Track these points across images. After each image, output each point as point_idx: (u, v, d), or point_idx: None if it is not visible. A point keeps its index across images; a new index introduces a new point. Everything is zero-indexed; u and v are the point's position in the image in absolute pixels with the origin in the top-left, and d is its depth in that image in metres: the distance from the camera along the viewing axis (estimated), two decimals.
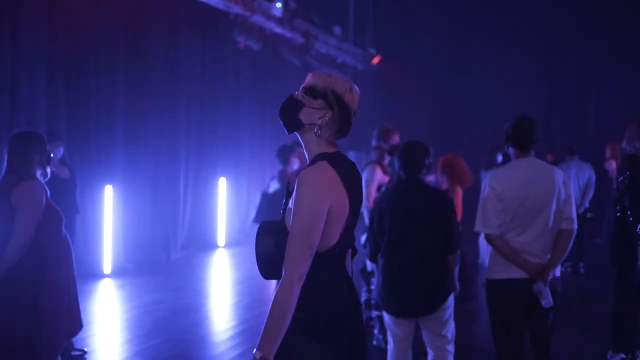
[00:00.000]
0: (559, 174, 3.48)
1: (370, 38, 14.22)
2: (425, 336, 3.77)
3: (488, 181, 3.50)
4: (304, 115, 2.17)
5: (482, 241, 8.71)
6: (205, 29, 9.23)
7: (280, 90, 11.40)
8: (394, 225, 3.62)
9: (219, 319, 6.20)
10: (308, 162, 2.18)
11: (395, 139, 5.25)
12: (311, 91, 2.18)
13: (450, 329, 3.74)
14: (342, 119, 2.19)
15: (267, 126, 11.05)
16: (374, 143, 5.36)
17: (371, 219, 3.76)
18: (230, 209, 10.22)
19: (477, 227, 3.50)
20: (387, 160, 5.27)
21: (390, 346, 3.81)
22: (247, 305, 6.66)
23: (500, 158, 8.76)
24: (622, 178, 4.31)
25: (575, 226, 3.46)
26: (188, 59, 9.00)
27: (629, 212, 4.20)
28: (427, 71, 14.34)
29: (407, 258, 3.63)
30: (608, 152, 8.51)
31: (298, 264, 2.02)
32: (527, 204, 3.40)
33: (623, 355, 4.70)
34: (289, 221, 2.08)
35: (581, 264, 8.13)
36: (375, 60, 13.98)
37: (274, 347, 1.99)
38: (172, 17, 8.67)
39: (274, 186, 6.29)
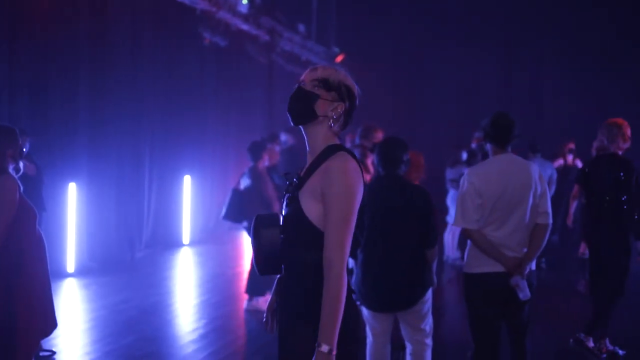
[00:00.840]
0: (535, 169, 3.57)
1: (334, 36, 14.28)
2: (404, 330, 3.82)
3: (467, 176, 3.56)
4: (319, 107, 2.19)
5: (447, 237, 8.86)
6: (170, 24, 9.11)
7: (245, 88, 11.50)
8: (374, 221, 3.65)
9: (188, 318, 6.12)
10: (314, 154, 2.20)
11: (378, 136, 5.29)
12: (325, 83, 2.20)
13: (429, 323, 3.80)
14: (350, 112, 2.25)
15: (231, 123, 10.98)
16: (356, 141, 5.39)
17: None
18: (195, 206, 10.11)
19: (456, 222, 3.57)
20: (370, 158, 5.31)
21: (369, 340, 3.85)
22: (216, 303, 6.60)
23: (465, 155, 8.91)
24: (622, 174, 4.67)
25: (551, 220, 3.56)
26: (152, 55, 8.87)
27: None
28: (389, 69, 14.47)
29: (386, 253, 3.67)
30: (564, 150, 8.78)
31: (345, 251, 2.08)
32: (505, 199, 3.47)
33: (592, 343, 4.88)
34: (311, 211, 2.11)
35: (543, 259, 8.34)
36: (339, 58, 14.04)
37: (336, 337, 2.02)
38: (136, 12, 8.52)
39: (244, 182, 6.25)
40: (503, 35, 14.21)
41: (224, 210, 6.37)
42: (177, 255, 9.25)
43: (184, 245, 9.74)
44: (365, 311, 3.80)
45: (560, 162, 8.31)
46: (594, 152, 5.08)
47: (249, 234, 6.37)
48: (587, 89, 13.07)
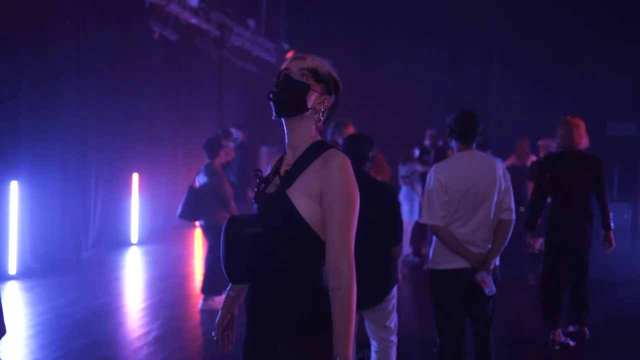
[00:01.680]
0: (499, 166, 3.60)
1: (284, 32, 14.16)
2: (369, 328, 3.78)
3: (433, 173, 3.56)
4: (309, 99, 2.06)
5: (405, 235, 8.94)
6: (117, 16, 8.80)
7: (195, 83, 11.28)
8: None
9: (141, 320, 5.92)
10: (297, 149, 2.06)
11: (350, 132, 5.22)
12: (315, 74, 2.07)
13: (394, 320, 3.78)
14: (334, 107, 2.14)
15: (181, 120, 10.75)
16: (328, 137, 5.31)
17: None
18: (144, 204, 9.85)
19: (423, 218, 3.56)
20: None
21: None
22: (170, 303, 6.42)
23: (417, 152, 9.00)
24: None
25: (514, 216, 3.59)
26: (98, 48, 8.57)
27: None
28: (339, 66, 14.45)
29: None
30: (521, 148, 8.96)
31: (352, 255, 1.96)
32: (471, 195, 3.48)
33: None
34: (305, 211, 1.96)
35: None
36: (289, 54, 13.93)
37: (352, 348, 1.93)
38: (80, 3, 8.19)
39: (200, 180, 6.10)
40: (451, 33, 14.40)
41: (179, 209, 6.19)
42: (125, 254, 8.99)
43: (132, 244, 9.48)
44: None
45: (512, 159, 8.47)
46: (555, 149, 5.14)
47: (205, 233, 6.24)
48: (536, 86, 13.40)
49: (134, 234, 9.56)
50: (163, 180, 10.46)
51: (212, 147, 6.11)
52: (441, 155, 8.63)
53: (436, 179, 3.51)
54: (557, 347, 4.99)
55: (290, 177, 2.01)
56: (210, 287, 6.00)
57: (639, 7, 12.35)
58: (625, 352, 5.24)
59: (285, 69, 2.08)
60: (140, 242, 9.60)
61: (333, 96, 2.12)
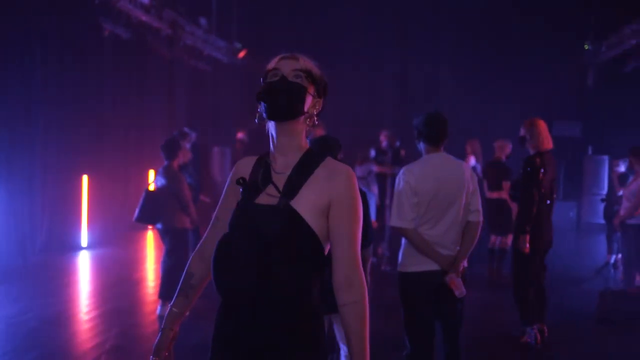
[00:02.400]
0: (467, 168, 3.64)
1: (236, 31, 14.01)
2: (338, 332, 3.75)
3: (402, 176, 3.56)
4: (306, 102, 1.95)
5: None
6: (66, 13, 8.51)
7: (146, 83, 11.01)
8: None
9: (97, 327, 5.68)
10: (289, 156, 1.94)
11: (318, 133, 5.17)
12: (309, 75, 1.96)
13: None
14: (321, 111, 2.04)
15: (132, 120, 10.48)
16: None
17: None
18: (94, 207, 9.56)
19: (393, 221, 3.55)
20: None
21: None
22: (125, 310, 6.21)
23: (373, 153, 9.03)
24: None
25: (482, 218, 3.63)
26: (45, 45, 8.26)
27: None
28: None
29: None
30: (468, 149, 9.11)
31: (362, 267, 1.94)
32: (440, 197, 3.50)
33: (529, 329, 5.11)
34: (315, 226, 1.86)
35: None
36: (241, 54, 13.81)
37: None
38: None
39: (158, 182, 5.94)
40: (400, 32, 14.55)
41: (136, 212, 6.02)
42: (75, 259, 8.71)
43: (82, 248, 9.19)
44: None
45: (472, 160, 8.61)
46: (530, 151, 5.17)
47: (163, 236, 6.08)
48: (484, 88, 13.67)
49: (84, 238, 9.27)
50: (114, 182, 10.17)
51: (171, 148, 5.96)
52: (398, 156, 8.71)
53: (406, 181, 3.52)
54: (532, 342, 5.09)
55: (294, 187, 1.89)
56: (168, 292, 5.85)
57: (583, 13, 12.76)
58: (578, 345, 5.40)
59: (275, 69, 1.94)
60: (91, 246, 9.31)
61: (323, 99, 2.05)
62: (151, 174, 11.37)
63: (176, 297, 2.13)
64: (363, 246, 3.62)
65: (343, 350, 3.77)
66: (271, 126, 1.97)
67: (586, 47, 13.07)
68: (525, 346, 5.13)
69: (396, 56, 14.79)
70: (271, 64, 1.97)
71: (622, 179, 8.50)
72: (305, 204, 1.87)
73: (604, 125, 12.93)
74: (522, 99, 12.84)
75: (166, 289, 5.88)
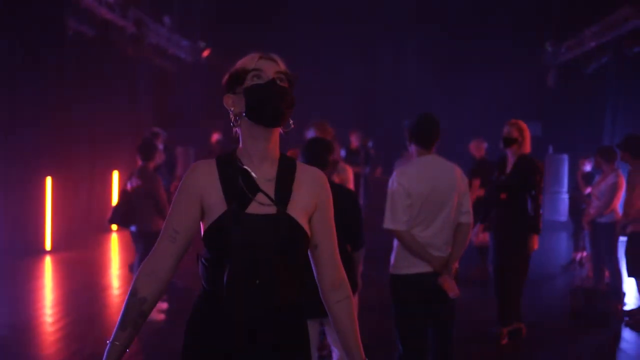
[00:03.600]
0: (457, 169, 3.65)
1: (199, 30, 13.82)
2: (330, 336, 3.72)
3: (396, 178, 3.55)
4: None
5: None
6: (29, 10, 8.22)
7: (111, 82, 10.74)
8: None
9: (68, 336, 5.45)
10: (270, 161, 1.90)
11: (310, 133, 5.09)
12: (290, 79, 1.91)
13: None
14: None
15: (97, 120, 10.21)
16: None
17: None
18: (58, 209, 9.28)
19: (386, 223, 3.54)
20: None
21: None
22: (96, 317, 6.04)
23: (343, 153, 9.04)
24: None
25: (472, 219, 3.65)
26: (6, 43, 7.98)
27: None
28: None
29: None
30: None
31: None
32: (432, 199, 3.51)
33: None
34: (306, 225, 1.92)
35: None
36: (205, 53, 13.63)
37: None
38: None
39: (133, 183, 5.80)
40: (366, 33, 14.62)
41: (111, 214, 5.87)
42: (39, 263, 8.42)
43: (46, 251, 8.90)
44: None
45: None
46: (513, 153, 5.22)
47: (136, 239, 5.93)
48: (448, 87, 13.85)
49: (48, 241, 9.00)
50: (78, 184, 9.91)
51: (147, 149, 5.83)
52: (369, 156, 8.75)
53: (399, 184, 3.51)
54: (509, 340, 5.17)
55: (285, 194, 1.87)
56: None
57: (544, 15, 13.04)
58: (553, 343, 5.51)
59: (257, 69, 1.85)
60: (55, 249, 9.03)
61: None
62: (116, 174, 11.13)
63: (120, 329, 1.82)
64: (354, 249, 3.62)
65: (335, 353, 3.74)
66: (250, 131, 1.88)
67: (547, 48, 13.36)
68: (502, 344, 5.20)
69: (361, 56, 14.86)
70: (249, 63, 1.87)
71: (587, 177, 8.72)
72: (298, 209, 1.87)
73: (564, 125, 13.26)
74: (484, 99, 13.08)
75: None
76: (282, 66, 1.91)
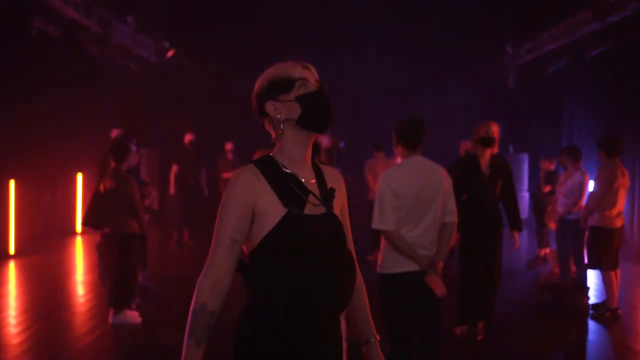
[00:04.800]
0: (442, 170, 3.75)
1: (165, 30, 13.66)
2: None
3: (384, 179, 3.62)
4: None
5: None
6: None
7: (75, 83, 10.51)
8: None
9: (45, 342, 5.29)
10: (307, 164, 1.99)
11: None
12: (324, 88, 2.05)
13: (342, 326, 3.80)
14: None
15: (61, 122, 10.01)
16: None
17: None
18: (22, 213, 9.07)
19: (375, 224, 3.61)
20: None
21: None
22: (69, 323, 5.90)
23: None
24: None
25: (457, 218, 3.75)
26: None
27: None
28: (223, 65, 14.19)
29: None
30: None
31: None
32: (420, 200, 3.60)
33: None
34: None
35: None
36: (170, 53, 13.49)
37: None
38: None
39: (106, 185, 5.74)
40: (328, 33, 14.65)
41: (83, 215, 5.79)
42: (3, 268, 8.21)
43: (10, 256, 8.69)
44: None
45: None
46: (472, 152, 5.36)
47: (110, 242, 5.84)
48: (408, 89, 14.02)
49: (12, 245, 8.78)
50: (42, 187, 9.70)
51: (120, 151, 5.77)
52: (341, 156, 8.82)
53: (387, 185, 3.59)
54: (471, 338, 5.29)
55: (329, 194, 1.97)
56: (121, 299, 5.68)
57: (504, 17, 13.33)
58: (522, 337, 5.65)
59: (303, 78, 1.94)
60: (19, 254, 8.82)
61: None
62: (80, 177, 10.93)
63: (196, 347, 1.82)
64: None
65: None
66: (295, 136, 1.94)
67: (507, 50, 13.68)
68: (468, 342, 5.30)
69: (323, 57, 14.89)
70: (293, 72, 1.95)
71: (550, 177, 9.00)
72: (335, 208, 2.01)
73: (524, 125, 13.61)
74: (445, 100, 13.30)
75: (118, 296, 5.71)
76: (317, 75, 1.99)
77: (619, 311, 6.18)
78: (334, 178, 2.05)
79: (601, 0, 9.38)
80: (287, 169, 1.93)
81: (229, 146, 12.57)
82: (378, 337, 2.11)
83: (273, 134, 1.98)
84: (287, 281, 1.81)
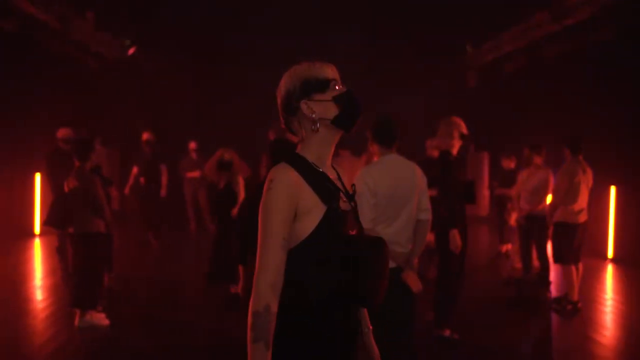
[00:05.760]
0: (417, 168, 3.79)
1: (126, 27, 13.38)
2: None
3: (361, 177, 3.64)
4: None
5: None
6: None
7: (32, 80, 10.21)
8: None
9: (12, 348, 5.16)
10: (328, 160, 2.05)
11: (272, 136, 5.07)
12: None
13: None
14: None
15: (16, 121, 9.72)
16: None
17: (241, 218, 3.63)
18: None
19: None
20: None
21: None
22: (25, 332, 5.67)
23: None
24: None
25: (431, 216, 3.80)
26: None
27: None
28: (186, 62, 14.01)
29: None
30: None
31: None
32: (396, 197, 3.63)
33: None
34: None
35: None
36: (131, 50, 13.24)
37: None
38: None
39: (70, 184, 5.60)
40: (285, 31, 14.60)
41: (46, 215, 5.64)
42: None
43: None
44: None
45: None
46: (435, 150, 5.42)
47: (74, 242, 5.70)
48: (369, 86, 14.08)
49: None
50: None
51: (83, 149, 5.64)
52: None
53: (364, 183, 3.60)
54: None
55: (350, 191, 2.06)
56: (88, 300, 5.57)
57: (465, 16, 13.51)
58: (491, 332, 5.78)
59: (335, 79, 2.01)
60: None
61: None
62: (38, 177, 10.64)
63: (266, 349, 1.78)
64: None
65: None
66: (327, 136, 1.99)
67: (467, 50, 13.88)
68: (440, 340, 5.37)
69: (287, 57, 14.84)
70: (328, 72, 2.00)
71: (510, 174, 9.20)
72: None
73: (484, 124, 13.85)
74: (407, 98, 13.44)
75: (81, 298, 5.60)
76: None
77: (580, 304, 6.36)
78: (345, 176, 2.12)
79: (558, 2, 9.62)
80: (318, 167, 1.97)
81: (192, 145, 12.44)
82: (371, 327, 2.16)
83: (301, 133, 2.00)
84: (336, 274, 1.87)
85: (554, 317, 6.27)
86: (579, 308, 6.33)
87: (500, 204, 8.99)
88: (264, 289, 1.79)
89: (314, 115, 1.96)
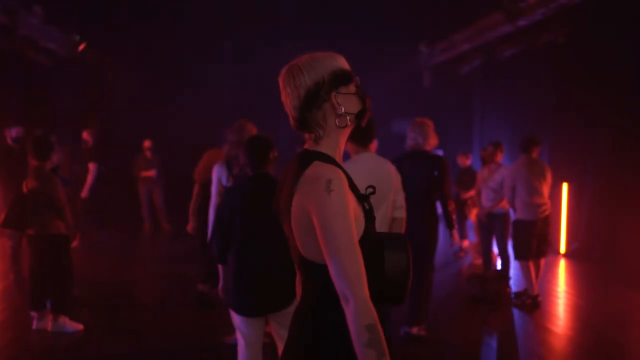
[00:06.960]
0: (391, 166, 3.80)
1: (76, 22, 12.97)
2: (276, 331, 3.72)
3: None
4: None
5: None
6: None
7: None
8: (246, 223, 3.49)
9: None
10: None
11: (254, 132, 4.96)
12: None
13: None
14: None
15: None
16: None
17: (219, 218, 3.56)
18: None
19: None
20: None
21: (242, 350, 3.66)
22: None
23: None
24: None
25: (405, 214, 3.82)
26: None
27: None
28: (140, 61, 13.68)
29: (261, 255, 3.53)
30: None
31: None
32: (372, 196, 3.62)
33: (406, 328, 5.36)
34: None
35: None
36: (81, 47, 12.84)
37: None
38: None
39: (28, 184, 5.41)
40: (245, 31, 14.49)
41: (3, 217, 5.43)
42: None
43: None
44: (237, 319, 3.61)
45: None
46: (407, 150, 5.44)
47: (33, 243, 5.49)
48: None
49: None
50: None
51: (42, 148, 5.44)
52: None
53: None
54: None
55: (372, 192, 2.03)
56: (42, 302, 5.42)
57: (419, 16, 13.68)
58: (457, 326, 5.91)
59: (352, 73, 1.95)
60: None
61: None
62: None
63: None
64: None
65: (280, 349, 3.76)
66: (346, 133, 1.94)
67: (421, 49, 14.05)
68: (410, 338, 5.42)
69: (242, 56, 14.72)
70: (347, 65, 1.92)
71: (467, 172, 9.37)
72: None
73: (439, 124, 14.02)
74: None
75: (39, 299, 5.43)
76: None
77: (539, 298, 6.54)
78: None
79: (512, 3, 9.84)
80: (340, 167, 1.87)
81: (147, 144, 12.19)
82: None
83: (320, 129, 1.85)
84: (378, 275, 1.82)
85: (516, 312, 6.43)
86: (538, 302, 6.51)
87: (458, 200, 9.14)
88: (368, 300, 1.64)
89: (342, 109, 1.85)
